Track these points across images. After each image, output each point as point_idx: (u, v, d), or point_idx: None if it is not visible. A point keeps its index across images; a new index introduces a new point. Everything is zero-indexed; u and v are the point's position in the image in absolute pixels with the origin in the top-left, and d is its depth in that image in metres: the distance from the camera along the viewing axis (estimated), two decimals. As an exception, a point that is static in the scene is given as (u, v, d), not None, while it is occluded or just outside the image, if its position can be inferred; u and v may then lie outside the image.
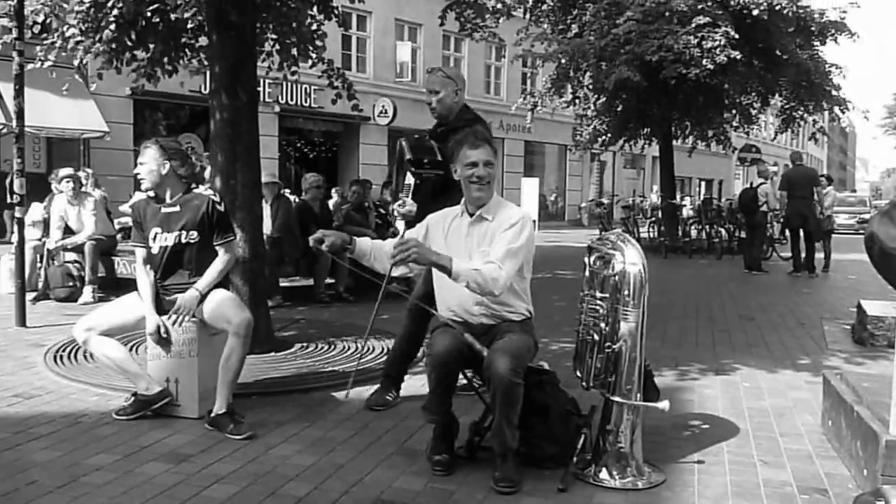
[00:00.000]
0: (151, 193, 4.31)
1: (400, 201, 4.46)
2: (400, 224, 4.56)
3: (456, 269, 3.28)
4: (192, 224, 4.21)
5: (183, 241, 4.22)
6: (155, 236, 4.24)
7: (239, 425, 3.96)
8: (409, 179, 4.42)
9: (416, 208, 4.35)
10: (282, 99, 20.43)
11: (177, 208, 4.24)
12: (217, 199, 4.37)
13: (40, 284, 8.26)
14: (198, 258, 4.25)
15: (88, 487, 3.22)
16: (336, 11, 7.14)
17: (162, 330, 4.16)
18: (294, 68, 7.57)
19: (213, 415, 4.04)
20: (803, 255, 12.54)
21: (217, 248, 4.27)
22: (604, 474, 3.39)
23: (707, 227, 17.29)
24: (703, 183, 41.51)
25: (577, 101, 18.79)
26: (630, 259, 3.44)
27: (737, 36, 14.67)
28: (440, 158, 4.36)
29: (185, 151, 4.45)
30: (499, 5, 12.20)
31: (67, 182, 8.20)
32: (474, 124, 4.45)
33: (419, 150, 4.49)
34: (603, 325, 3.49)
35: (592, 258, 3.66)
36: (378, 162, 22.43)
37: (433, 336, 3.54)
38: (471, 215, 3.59)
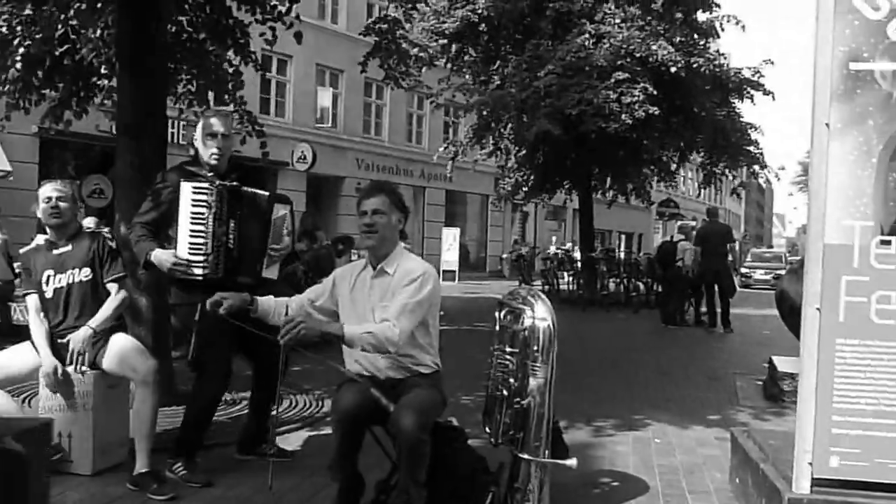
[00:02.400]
0: (53, 236, 4.22)
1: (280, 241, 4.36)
2: (272, 272, 4.32)
3: (349, 334, 3.25)
4: (84, 262, 4.15)
5: (75, 279, 4.13)
6: (48, 279, 4.15)
7: (162, 485, 3.80)
8: (283, 211, 4.38)
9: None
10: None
11: (69, 248, 4.19)
12: (108, 235, 4.37)
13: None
14: (92, 297, 4.15)
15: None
16: (254, 55, 7.09)
17: (59, 371, 3.97)
18: (204, 107, 7.45)
19: (134, 473, 3.87)
20: (718, 310, 12.83)
21: (108, 285, 4.18)
22: (512, 533, 3.32)
23: (625, 280, 17.61)
24: (622, 236, 42.51)
25: (498, 151, 19.05)
26: (539, 314, 3.43)
27: (655, 92, 15.15)
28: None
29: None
30: (422, 54, 12.33)
31: None
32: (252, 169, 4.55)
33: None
34: (512, 380, 3.45)
35: (503, 313, 3.64)
36: (296, 208, 22.17)
37: (339, 391, 3.46)
38: (374, 268, 3.53)
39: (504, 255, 30.15)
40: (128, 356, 4.05)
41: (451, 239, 25.65)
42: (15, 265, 8.44)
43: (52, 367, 3.97)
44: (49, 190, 4.18)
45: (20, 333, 4.23)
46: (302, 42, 7.39)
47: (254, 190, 4.27)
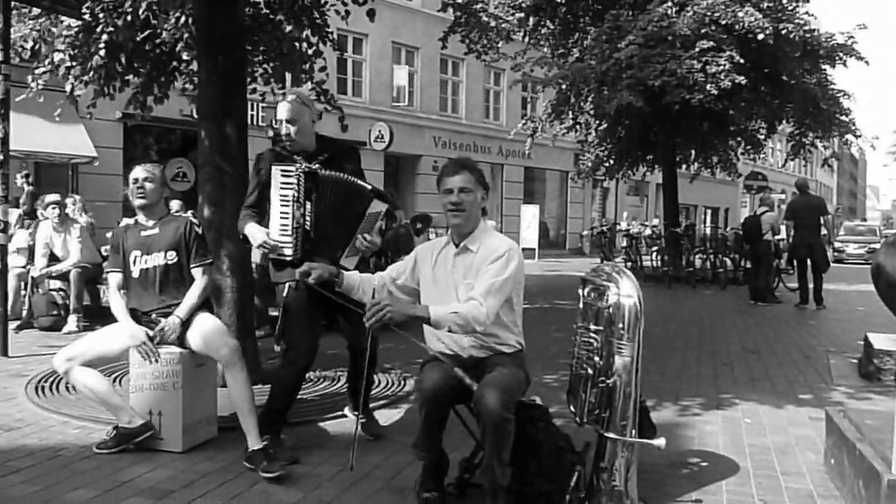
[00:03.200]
0: (141, 217, 4.33)
1: (369, 236, 4.18)
2: (350, 262, 4.20)
3: (435, 316, 3.22)
4: (171, 245, 4.23)
5: (161, 262, 4.22)
6: (135, 259, 4.25)
7: (272, 462, 3.84)
8: (378, 207, 4.22)
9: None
10: (275, 123, 20.14)
11: (156, 230, 4.28)
12: (196, 221, 4.41)
13: (24, 313, 8.17)
14: (176, 281, 4.24)
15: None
16: (331, 35, 7.09)
17: (148, 338, 4.07)
18: (284, 90, 7.51)
19: (248, 451, 3.93)
20: (811, 285, 12.37)
21: (193, 271, 4.26)
22: (597, 513, 3.25)
23: (712, 256, 17.15)
24: (708, 210, 41.45)
25: (578, 126, 18.71)
26: (625, 291, 3.33)
27: (742, 60, 14.58)
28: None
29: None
30: (503, 25, 12.16)
31: (53, 209, 8.13)
32: (348, 148, 4.45)
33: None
34: (597, 358, 3.37)
35: (586, 290, 3.56)
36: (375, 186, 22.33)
37: (423, 370, 3.44)
38: (456, 245, 3.49)
39: (584, 232, 29.80)
40: (211, 337, 4.12)
41: (530, 216, 25.46)
42: (102, 249, 8.77)
43: (143, 335, 4.06)
44: (138, 171, 4.30)
45: (109, 315, 4.36)
46: (376, 19, 7.36)
47: (339, 175, 4.14)
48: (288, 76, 7.36)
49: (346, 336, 4.43)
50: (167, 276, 4.23)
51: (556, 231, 31.39)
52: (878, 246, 20.22)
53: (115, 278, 4.33)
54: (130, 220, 4.42)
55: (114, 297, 4.30)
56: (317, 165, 4.12)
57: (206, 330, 4.15)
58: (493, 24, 9.11)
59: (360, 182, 4.22)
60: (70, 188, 15.39)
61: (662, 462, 3.96)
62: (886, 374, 6.15)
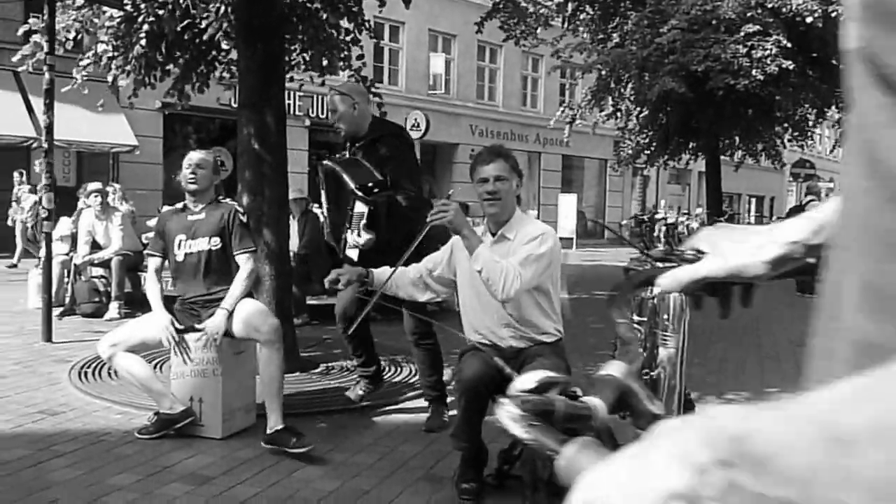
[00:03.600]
0: (189, 202, 4.36)
1: (354, 233, 4.31)
2: (353, 252, 4.35)
3: (480, 250, 3.16)
4: (215, 231, 4.26)
5: (206, 248, 4.25)
6: (179, 244, 4.28)
7: (301, 437, 3.87)
8: (361, 208, 4.27)
9: (374, 236, 4.27)
10: (312, 112, 20.12)
11: (202, 216, 4.31)
12: (240, 209, 4.45)
13: (67, 299, 8.28)
14: (220, 267, 4.28)
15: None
16: (368, 23, 7.06)
17: (173, 328, 4.12)
18: (322, 78, 7.49)
19: (269, 432, 3.96)
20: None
21: (238, 258, 4.28)
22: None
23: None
24: (752, 199, 40.73)
25: (618, 113, 18.46)
26: (669, 280, 3.25)
27: (789, 45, 14.26)
28: (379, 177, 4.24)
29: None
30: (541, 11, 12.03)
31: (95, 196, 8.24)
32: (389, 133, 4.48)
33: (359, 176, 4.25)
34: (640, 350, 3.30)
35: (629, 279, 3.48)
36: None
37: (462, 360, 3.41)
38: (493, 234, 3.44)
39: (624, 222, 29.48)
40: (251, 317, 4.14)
41: (568, 205, 25.21)
42: (143, 237, 8.87)
43: (168, 322, 4.11)
44: (193, 156, 4.36)
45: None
46: (412, 7, 7.31)
47: (335, 168, 4.34)
48: (324, 63, 7.33)
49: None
50: (210, 262, 4.26)
51: (595, 225, 31.05)
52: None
53: (154, 262, 4.37)
54: (178, 205, 4.45)
55: (151, 283, 4.35)
56: (329, 157, 4.29)
57: (248, 312, 4.17)
58: (531, 9, 8.99)
59: (346, 178, 4.24)
60: (111, 177, 15.62)
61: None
62: None
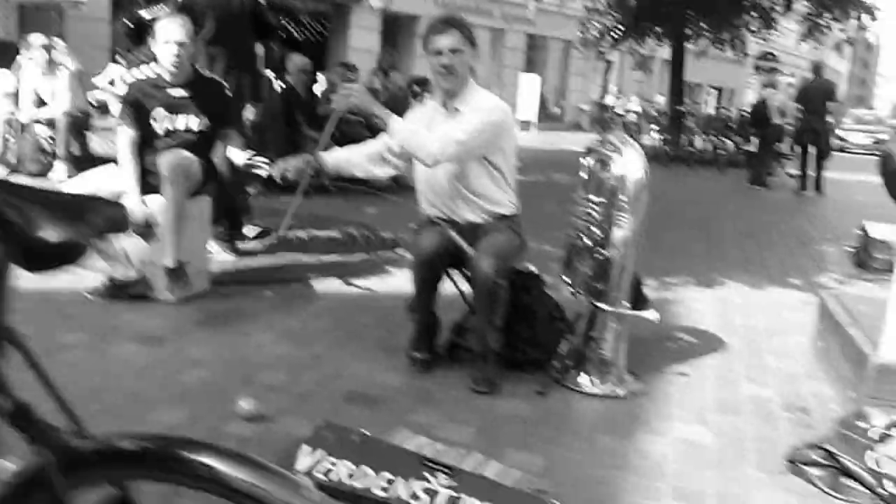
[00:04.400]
0: (165, 74, 4.16)
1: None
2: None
3: (392, 124, 3.21)
4: (202, 110, 4.15)
5: (193, 125, 4.15)
6: (160, 119, 4.13)
7: (177, 285, 3.99)
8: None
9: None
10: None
11: (186, 93, 4.15)
12: (227, 85, 4.36)
13: (13, 159, 7.99)
14: (203, 144, 4.19)
15: (60, 365, 3.11)
16: None
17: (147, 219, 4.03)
18: None
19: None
20: (811, 173, 12.24)
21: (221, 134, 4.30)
22: (584, 380, 3.32)
23: (713, 137, 16.89)
24: (712, 90, 40.60)
25: (587, -9, 18.04)
26: (631, 162, 3.25)
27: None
28: None
29: None
30: None
31: (41, 51, 7.83)
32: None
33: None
34: (596, 230, 3.33)
35: (591, 160, 3.48)
36: (369, 48, 21.43)
37: (418, 232, 3.41)
38: (445, 108, 3.37)
39: (584, 107, 29.17)
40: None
41: (529, 86, 24.59)
42: (88, 94, 8.49)
43: (143, 218, 4.01)
44: (173, 32, 4.11)
45: (98, 164, 4.27)
46: None
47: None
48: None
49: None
50: (196, 140, 4.16)
51: (555, 103, 30.64)
52: (885, 136, 19.86)
53: (128, 134, 4.17)
54: (150, 74, 4.22)
55: (126, 159, 4.15)
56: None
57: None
58: None
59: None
60: (55, 32, 14.85)
61: (650, 336, 3.99)
62: (881, 264, 6.15)
